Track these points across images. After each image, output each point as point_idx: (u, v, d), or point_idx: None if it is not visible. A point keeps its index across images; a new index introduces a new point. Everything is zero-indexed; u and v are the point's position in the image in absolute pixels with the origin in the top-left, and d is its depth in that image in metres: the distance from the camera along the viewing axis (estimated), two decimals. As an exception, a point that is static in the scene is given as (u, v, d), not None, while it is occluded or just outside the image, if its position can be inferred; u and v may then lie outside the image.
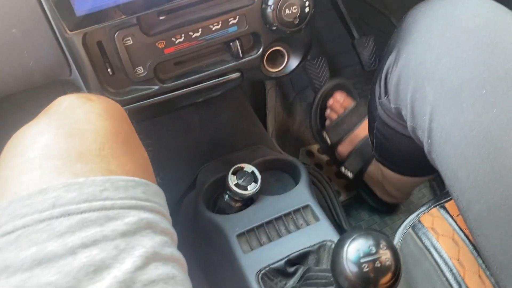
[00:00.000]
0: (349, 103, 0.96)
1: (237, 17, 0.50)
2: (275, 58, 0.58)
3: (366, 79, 1.14)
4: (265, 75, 0.56)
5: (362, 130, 0.92)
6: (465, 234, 0.51)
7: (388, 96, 0.63)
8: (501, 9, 0.48)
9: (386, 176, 0.87)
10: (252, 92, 1.06)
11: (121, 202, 0.33)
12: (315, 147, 1.09)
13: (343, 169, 0.96)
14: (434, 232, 0.53)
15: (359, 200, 1.01)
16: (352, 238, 0.40)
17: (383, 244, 0.39)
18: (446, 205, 0.53)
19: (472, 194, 0.45)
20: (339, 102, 0.98)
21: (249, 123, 0.94)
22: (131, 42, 0.47)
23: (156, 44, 0.48)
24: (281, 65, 0.58)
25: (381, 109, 0.68)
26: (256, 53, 0.54)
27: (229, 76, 0.54)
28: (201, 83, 0.53)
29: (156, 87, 0.51)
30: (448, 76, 0.47)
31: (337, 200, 0.91)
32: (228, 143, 0.87)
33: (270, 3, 0.49)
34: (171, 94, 0.52)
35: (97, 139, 0.36)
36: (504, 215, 0.43)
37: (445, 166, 0.48)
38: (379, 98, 0.66)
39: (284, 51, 0.56)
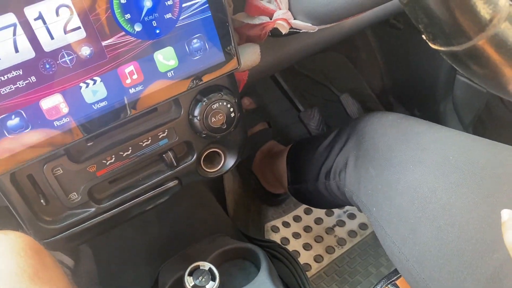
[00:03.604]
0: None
1: (166, 130, 0.51)
2: (212, 157, 0.59)
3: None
4: (204, 177, 0.57)
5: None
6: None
7: (333, 181, 0.66)
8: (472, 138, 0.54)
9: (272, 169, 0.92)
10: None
11: None
12: (279, 221, 1.09)
13: None
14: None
15: (329, 270, 1.00)
16: None
17: None
18: (397, 282, 0.53)
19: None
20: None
21: (208, 211, 0.94)
22: (61, 172, 0.47)
23: (87, 169, 0.48)
24: (219, 164, 0.59)
25: (323, 186, 0.70)
26: (191, 159, 0.55)
27: (167, 185, 0.54)
28: (139, 196, 0.53)
29: (93, 209, 0.51)
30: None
31: (305, 275, 0.90)
32: (188, 235, 0.86)
33: (196, 113, 0.51)
34: (109, 213, 0.52)
35: None
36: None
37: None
38: (326, 179, 0.69)
39: (220, 151, 0.58)
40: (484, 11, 0.26)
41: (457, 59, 0.29)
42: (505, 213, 0.42)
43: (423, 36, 0.29)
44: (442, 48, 0.29)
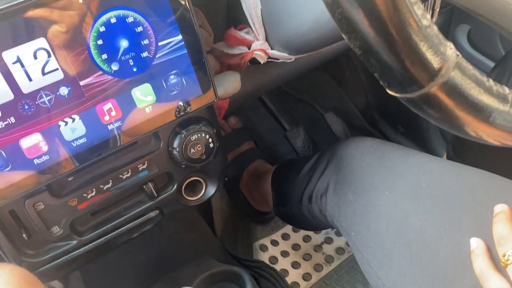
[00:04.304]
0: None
1: (146, 162, 0.52)
2: (194, 185, 0.60)
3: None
4: (185, 205, 0.58)
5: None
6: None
7: (315, 204, 0.68)
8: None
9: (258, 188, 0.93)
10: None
11: None
12: (268, 240, 1.10)
13: None
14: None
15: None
16: None
17: None
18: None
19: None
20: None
21: (196, 231, 0.94)
22: (43, 206, 0.48)
23: (68, 202, 0.49)
24: (200, 191, 0.60)
25: (306, 209, 0.71)
26: (172, 189, 0.56)
27: (148, 215, 0.55)
28: (121, 227, 0.54)
29: (75, 242, 0.51)
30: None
31: (293, 295, 0.91)
32: (175, 258, 0.87)
33: (175, 145, 0.52)
34: (91, 244, 0.52)
35: None
36: None
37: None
38: (308, 202, 0.70)
39: (201, 179, 0.59)
40: (432, 61, 0.28)
41: (413, 104, 0.30)
42: (474, 242, 0.43)
43: (380, 82, 0.31)
44: (398, 95, 0.30)
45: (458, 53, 0.28)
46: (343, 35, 0.29)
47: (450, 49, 0.28)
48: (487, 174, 0.53)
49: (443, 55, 0.28)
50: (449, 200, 0.50)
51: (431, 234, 0.49)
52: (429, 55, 0.27)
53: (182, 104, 0.49)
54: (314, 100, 1.18)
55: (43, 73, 0.42)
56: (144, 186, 0.53)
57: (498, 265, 0.44)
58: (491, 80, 0.30)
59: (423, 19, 0.26)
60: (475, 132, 0.32)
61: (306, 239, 1.09)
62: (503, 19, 0.37)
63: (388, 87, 0.30)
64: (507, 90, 0.31)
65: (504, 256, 0.42)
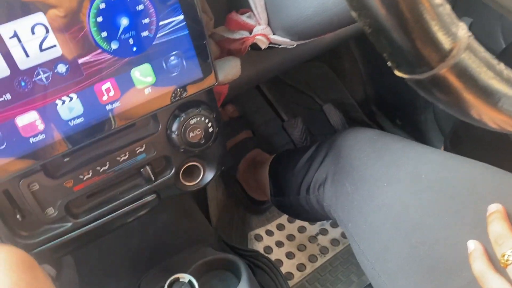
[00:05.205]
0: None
1: (144, 145, 0.51)
2: (191, 170, 0.59)
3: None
4: (182, 190, 0.58)
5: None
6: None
7: (313, 195, 0.67)
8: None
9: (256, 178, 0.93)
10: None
11: None
12: (263, 230, 1.09)
13: None
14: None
15: (311, 278, 1.01)
16: None
17: None
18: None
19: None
20: None
21: (191, 220, 0.94)
22: (38, 187, 0.47)
23: (64, 184, 0.48)
24: (198, 177, 0.59)
25: (304, 200, 0.70)
26: (170, 174, 0.55)
27: (145, 199, 0.55)
28: (117, 210, 0.53)
29: (70, 224, 0.51)
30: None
31: (286, 285, 0.91)
32: (170, 245, 0.86)
33: (174, 129, 0.51)
34: (87, 227, 0.52)
35: None
36: None
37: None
38: (306, 193, 0.69)
39: (199, 165, 0.58)
40: (444, 42, 0.27)
41: (421, 86, 0.30)
42: (471, 244, 0.43)
43: (388, 63, 0.30)
44: (406, 76, 0.29)
45: (470, 33, 0.27)
46: (352, 13, 0.28)
47: (462, 30, 0.27)
48: (487, 166, 0.53)
49: (455, 36, 0.27)
50: (449, 192, 0.49)
51: (431, 226, 0.48)
52: (441, 35, 0.27)
53: (181, 86, 0.48)
54: (312, 91, 1.17)
55: (41, 49, 0.40)
56: (141, 170, 0.53)
57: (496, 265, 0.43)
58: (502, 64, 0.29)
59: (435, -3, 0.26)
60: (479, 116, 0.31)
61: (301, 230, 1.09)
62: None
63: (397, 67, 0.29)
64: (517, 74, 0.30)
65: (503, 256, 0.42)
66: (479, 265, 0.42)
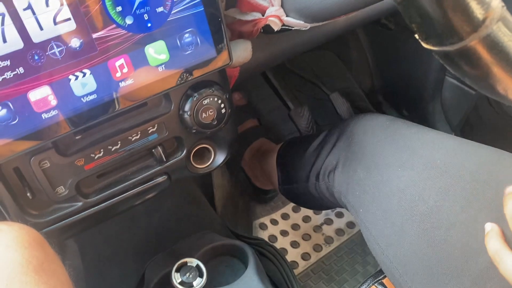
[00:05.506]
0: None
1: (156, 125, 0.51)
2: (202, 153, 0.59)
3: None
4: (193, 173, 0.57)
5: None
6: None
7: (322, 182, 0.66)
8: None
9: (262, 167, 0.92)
10: (198, 172, 1.06)
11: None
12: (267, 219, 1.09)
13: None
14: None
15: (316, 268, 1.01)
16: None
17: None
18: (384, 281, 0.54)
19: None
20: None
21: (196, 207, 0.93)
22: (49, 165, 0.47)
23: (75, 162, 0.48)
24: (209, 160, 0.59)
25: (313, 187, 0.70)
26: (181, 155, 0.54)
27: (156, 180, 0.54)
28: (128, 191, 0.53)
29: (80, 203, 0.50)
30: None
31: (292, 273, 0.90)
32: (175, 232, 0.86)
33: (186, 109, 0.50)
34: (97, 207, 0.51)
35: (3, 275, 0.35)
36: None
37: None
38: (316, 180, 0.69)
39: (210, 147, 0.57)
40: (477, 11, 0.26)
41: (449, 59, 0.29)
42: (488, 225, 0.43)
43: (416, 35, 0.29)
44: (435, 48, 0.29)
45: (503, 4, 0.27)
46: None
47: (495, 0, 0.26)
48: (502, 152, 0.52)
49: (488, 5, 0.26)
50: (466, 177, 0.49)
51: (446, 210, 0.48)
52: (474, 4, 0.26)
53: (195, 65, 0.47)
54: (319, 80, 1.16)
55: (55, 23, 0.40)
56: (153, 150, 0.52)
57: None
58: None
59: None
60: (505, 91, 0.30)
61: (306, 219, 1.09)
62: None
63: (425, 39, 0.29)
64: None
65: None
66: (494, 244, 0.42)
